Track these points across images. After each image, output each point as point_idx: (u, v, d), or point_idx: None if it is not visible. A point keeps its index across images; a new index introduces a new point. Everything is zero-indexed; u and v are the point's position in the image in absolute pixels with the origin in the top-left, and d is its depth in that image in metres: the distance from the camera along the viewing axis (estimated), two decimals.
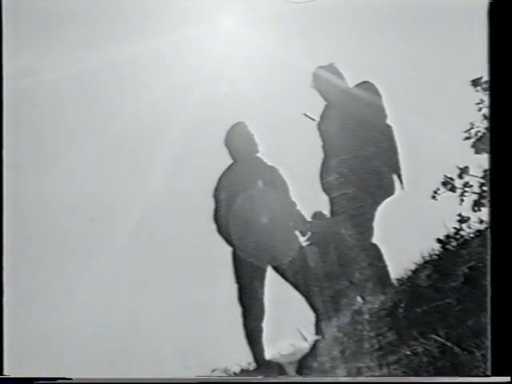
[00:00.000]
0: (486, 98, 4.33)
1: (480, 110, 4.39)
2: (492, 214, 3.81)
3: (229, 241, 4.57)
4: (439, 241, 4.38)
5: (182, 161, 4.43)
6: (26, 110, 4.26)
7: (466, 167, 4.45)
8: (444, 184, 4.50)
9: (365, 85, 4.56)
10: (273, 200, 4.54)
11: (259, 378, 4.26)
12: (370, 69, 4.38)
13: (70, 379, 3.86)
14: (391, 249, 4.43)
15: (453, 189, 4.49)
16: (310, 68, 4.50)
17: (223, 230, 4.58)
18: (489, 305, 3.56)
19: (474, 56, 4.29)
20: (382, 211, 4.54)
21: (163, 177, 4.37)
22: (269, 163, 4.59)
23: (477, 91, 4.39)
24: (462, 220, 4.42)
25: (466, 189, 4.46)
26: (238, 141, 4.56)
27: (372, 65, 4.35)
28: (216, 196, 4.60)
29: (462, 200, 4.48)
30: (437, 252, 4.39)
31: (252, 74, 4.29)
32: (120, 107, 4.33)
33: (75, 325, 4.28)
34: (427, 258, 4.39)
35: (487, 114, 4.31)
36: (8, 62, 4.00)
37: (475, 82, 4.39)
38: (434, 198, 4.51)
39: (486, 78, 4.32)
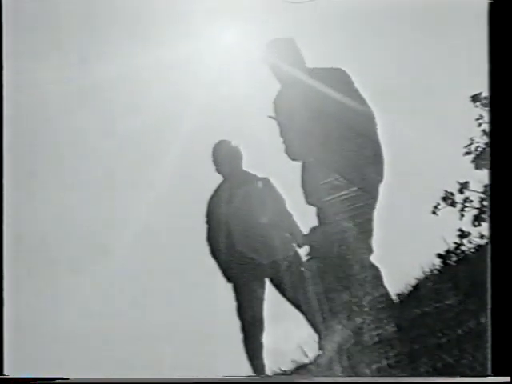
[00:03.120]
0: (485, 113, 4.35)
1: (480, 125, 4.42)
2: (492, 228, 3.81)
3: (220, 263, 4.57)
4: (440, 256, 4.39)
5: (181, 176, 4.44)
6: (23, 122, 4.27)
7: (467, 182, 4.46)
8: (444, 199, 4.51)
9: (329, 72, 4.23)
10: (269, 211, 4.54)
11: (259, 378, 4.25)
12: (366, 79, 4.39)
13: (67, 379, 3.85)
14: (392, 264, 4.42)
15: (453, 204, 4.50)
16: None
17: (216, 253, 4.58)
18: (489, 304, 3.56)
19: (475, 66, 4.31)
20: (382, 226, 4.54)
21: (162, 191, 4.38)
22: (260, 175, 4.60)
23: (476, 107, 4.42)
24: (463, 235, 4.43)
25: (467, 204, 4.47)
26: (224, 157, 4.58)
27: (369, 75, 4.36)
28: (208, 220, 4.60)
29: (463, 215, 4.49)
30: (437, 267, 4.39)
31: (252, 90, 4.31)
32: (118, 121, 4.34)
33: (75, 325, 4.29)
34: (428, 274, 4.39)
35: (487, 130, 4.32)
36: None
37: (475, 98, 4.42)
38: (434, 213, 4.52)
39: (485, 93, 4.34)
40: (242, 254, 4.54)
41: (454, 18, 4.20)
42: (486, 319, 3.54)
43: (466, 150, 4.49)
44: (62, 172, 4.35)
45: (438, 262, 4.42)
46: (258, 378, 4.27)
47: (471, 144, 4.48)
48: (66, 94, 4.27)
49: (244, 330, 4.54)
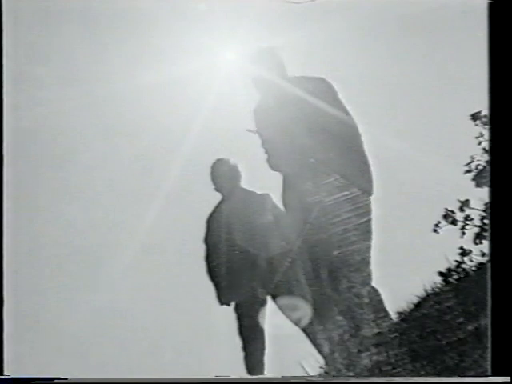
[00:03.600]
0: (485, 131, 4.36)
1: (480, 143, 4.43)
2: (492, 247, 3.81)
3: (217, 284, 4.56)
4: (441, 274, 4.38)
5: (180, 197, 4.45)
6: (27, 142, 4.29)
7: (467, 200, 4.46)
8: (445, 217, 4.51)
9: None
10: (271, 231, 4.54)
11: (259, 378, 4.23)
12: (362, 93, 4.40)
13: (66, 379, 3.85)
14: (392, 282, 4.41)
15: (454, 222, 4.49)
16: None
17: (214, 272, 4.57)
18: (489, 304, 3.55)
19: (475, 83, 4.34)
20: (382, 244, 4.54)
21: (161, 208, 4.39)
22: (259, 192, 4.61)
23: (476, 125, 4.43)
24: (464, 253, 4.42)
25: (467, 222, 4.47)
26: (222, 176, 4.59)
27: (365, 89, 4.37)
28: (206, 238, 4.60)
29: (464, 233, 4.48)
30: (438, 285, 4.38)
31: (252, 107, 4.33)
32: (118, 139, 4.36)
33: (75, 325, 4.29)
34: (429, 292, 4.38)
35: (487, 148, 4.33)
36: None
37: (474, 116, 4.43)
38: (435, 231, 4.52)
39: (485, 111, 4.36)
40: (243, 272, 4.54)
41: (453, 24, 4.21)
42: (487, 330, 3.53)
43: (466, 168, 4.49)
44: (61, 187, 4.36)
45: (439, 280, 4.40)
46: (257, 378, 4.27)
47: (471, 162, 4.48)
48: (66, 113, 4.30)
49: (245, 348, 4.52)
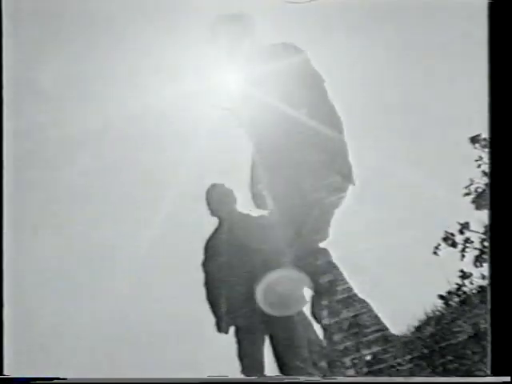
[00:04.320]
0: (484, 154, 4.38)
1: (479, 166, 4.44)
2: (492, 269, 3.80)
3: (215, 312, 4.54)
4: (441, 297, 4.36)
5: (178, 222, 4.45)
6: (24, 166, 4.30)
7: (467, 223, 4.46)
8: (445, 239, 4.50)
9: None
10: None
11: (259, 378, 4.20)
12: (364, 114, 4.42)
13: (65, 379, 3.85)
14: (393, 305, 4.40)
15: (454, 244, 4.49)
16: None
17: (213, 298, 4.56)
18: (489, 305, 3.54)
19: (474, 107, 4.37)
20: (383, 266, 4.53)
21: (158, 233, 4.38)
22: (255, 214, 4.60)
23: (475, 148, 4.44)
24: (464, 276, 4.41)
25: (467, 244, 4.46)
26: (218, 201, 4.58)
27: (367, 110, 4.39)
28: (205, 263, 4.59)
29: (464, 256, 4.47)
30: (439, 308, 4.36)
31: (252, 129, 4.34)
32: (117, 164, 4.37)
33: (75, 326, 4.28)
34: (430, 315, 4.36)
35: (486, 171, 4.34)
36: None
37: (474, 139, 4.45)
38: (435, 253, 4.51)
39: (484, 135, 4.38)
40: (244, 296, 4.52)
41: (453, 24, 4.22)
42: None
43: (465, 190, 4.50)
44: (61, 208, 4.36)
45: (440, 303, 4.39)
46: (258, 378, 4.23)
47: (471, 185, 4.49)
48: (65, 138, 4.31)
49: (244, 372, 4.50)
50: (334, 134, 4.19)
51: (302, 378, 4.06)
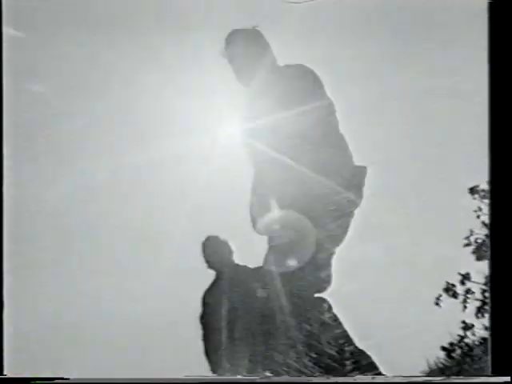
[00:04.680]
0: (483, 205, 4.42)
1: (478, 217, 4.48)
2: (493, 320, 3.79)
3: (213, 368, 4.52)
4: (444, 349, 4.34)
5: (176, 272, 4.47)
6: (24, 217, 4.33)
7: (468, 273, 4.48)
8: (446, 290, 4.52)
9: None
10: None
11: (259, 378, 4.13)
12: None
13: (67, 379, 3.81)
14: (396, 357, 4.38)
15: (455, 295, 4.50)
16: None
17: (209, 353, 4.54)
18: (489, 305, 3.51)
19: (474, 159, 4.43)
20: (385, 318, 4.53)
21: (157, 286, 4.39)
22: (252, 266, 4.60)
23: (474, 199, 4.49)
24: (466, 327, 4.40)
25: (469, 295, 4.48)
26: (214, 253, 4.58)
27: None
28: (203, 320, 4.57)
29: (465, 306, 4.48)
30: (442, 360, 4.33)
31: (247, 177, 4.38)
32: (117, 213, 4.40)
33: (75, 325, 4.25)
34: (433, 367, 4.33)
35: (486, 221, 4.37)
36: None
37: (473, 190, 4.50)
38: (437, 304, 4.52)
39: (482, 185, 4.43)
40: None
41: (454, 25, 4.24)
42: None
43: (465, 241, 4.53)
44: (63, 251, 4.38)
45: (442, 355, 4.36)
46: (257, 378, 4.16)
47: (471, 235, 4.52)
48: (65, 193, 4.35)
49: None
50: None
51: (302, 378, 4.04)
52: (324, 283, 4.13)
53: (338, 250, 4.34)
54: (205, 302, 4.52)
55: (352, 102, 4.25)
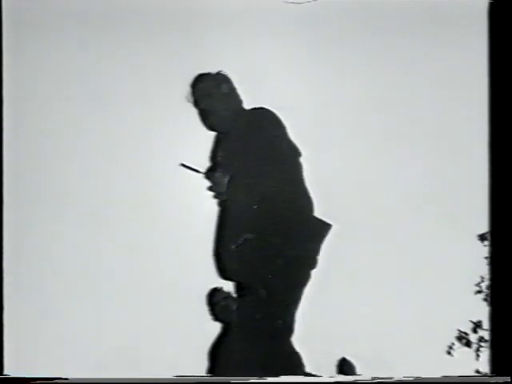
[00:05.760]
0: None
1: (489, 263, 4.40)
2: (493, 320, 3.71)
3: None
4: None
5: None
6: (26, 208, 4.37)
7: (480, 321, 4.39)
8: (459, 339, 4.42)
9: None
10: None
11: (259, 378, 4.04)
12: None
13: (66, 379, 3.79)
14: None
15: (468, 344, 4.40)
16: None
17: None
18: (489, 304, 3.43)
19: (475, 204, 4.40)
20: (396, 368, 4.45)
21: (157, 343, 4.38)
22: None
23: (484, 246, 4.43)
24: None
25: (482, 343, 4.37)
26: (218, 306, 4.58)
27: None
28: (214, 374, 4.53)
29: (478, 355, 4.37)
30: None
31: None
32: (117, 239, 4.41)
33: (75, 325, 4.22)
34: None
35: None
36: None
37: (482, 237, 4.43)
38: (449, 353, 4.42)
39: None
40: None
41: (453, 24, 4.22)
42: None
43: (476, 288, 4.45)
44: (58, 271, 4.38)
45: None
46: (257, 378, 4.07)
47: (482, 282, 4.44)
48: (65, 217, 4.39)
49: None
50: None
51: (302, 378, 3.99)
52: None
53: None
54: (214, 357, 4.47)
55: (351, 103, 4.29)
